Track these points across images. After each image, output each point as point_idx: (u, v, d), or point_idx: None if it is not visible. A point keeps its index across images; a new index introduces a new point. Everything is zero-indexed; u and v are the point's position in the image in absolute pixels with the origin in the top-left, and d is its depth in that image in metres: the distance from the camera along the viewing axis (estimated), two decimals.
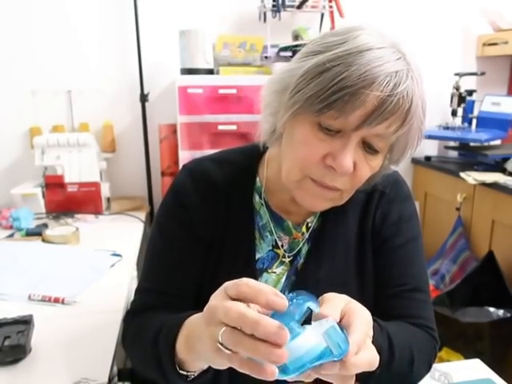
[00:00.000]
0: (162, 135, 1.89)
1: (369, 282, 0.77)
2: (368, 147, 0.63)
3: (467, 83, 2.07)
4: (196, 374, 0.61)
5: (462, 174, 1.82)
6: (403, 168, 2.25)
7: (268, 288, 0.45)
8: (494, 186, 1.70)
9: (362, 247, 0.77)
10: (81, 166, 1.74)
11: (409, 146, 0.65)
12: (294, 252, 0.78)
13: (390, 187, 0.78)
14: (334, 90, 0.57)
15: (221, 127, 1.73)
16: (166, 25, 1.89)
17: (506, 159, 1.81)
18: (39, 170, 1.76)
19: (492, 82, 2.23)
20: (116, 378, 0.99)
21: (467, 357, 1.47)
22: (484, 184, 1.73)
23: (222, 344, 0.45)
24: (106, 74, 1.90)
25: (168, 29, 1.86)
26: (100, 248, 1.37)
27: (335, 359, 0.44)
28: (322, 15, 1.93)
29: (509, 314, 1.57)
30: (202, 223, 0.76)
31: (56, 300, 1.05)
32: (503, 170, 1.79)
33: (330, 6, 1.87)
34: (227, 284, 0.48)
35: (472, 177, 1.77)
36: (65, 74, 1.87)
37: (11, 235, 1.51)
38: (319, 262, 0.76)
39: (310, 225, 0.78)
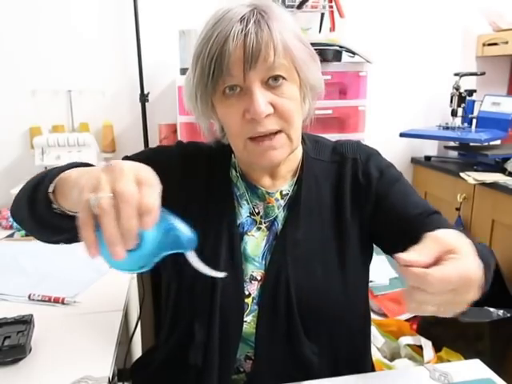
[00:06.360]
0: (162, 135, 1.89)
1: (349, 244, 0.81)
2: (272, 83, 0.70)
3: (467, 83, 2.07)
4: (58, 211, 0.66)
5: (462, 174, 1.82)
6: (403, 168, 2.25)
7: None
8: (494, 186, 1.70)
9: (338, 212, 0.82)
10: None
11: (309, 64, 0.74)
12: (271, 218, 0.83)
13: (358, 152, 0.85)
14: (209, 62, 0.69)
15: None
16: (166, 25, 1.89)
17: (506, 159, 1.81)
18: (39, 169, 1.76)
19: (492, 82, 2.23)
20: (116, 378, 0.98)
21: (467, 357, 1.47)
22: (484, 184, 1.73)
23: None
24: (105, 74, 1.90)
25: (168, 29, 1.86)
26: None
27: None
28: (322, 15, 1.93)
29: (509, 314, 1.57)
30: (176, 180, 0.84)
31: (56, 300, 1.05)
32: (503, 170, 1.79)
33: (330, 6, 1.86)
34: (142, 169, 0.52)
35: (472, 177, 1.77)
36: (65, 74, 1.87)
37: (11, 235, 1.51)
38: (296, 226, 0.81)
39: (284, 192, 0.84)
